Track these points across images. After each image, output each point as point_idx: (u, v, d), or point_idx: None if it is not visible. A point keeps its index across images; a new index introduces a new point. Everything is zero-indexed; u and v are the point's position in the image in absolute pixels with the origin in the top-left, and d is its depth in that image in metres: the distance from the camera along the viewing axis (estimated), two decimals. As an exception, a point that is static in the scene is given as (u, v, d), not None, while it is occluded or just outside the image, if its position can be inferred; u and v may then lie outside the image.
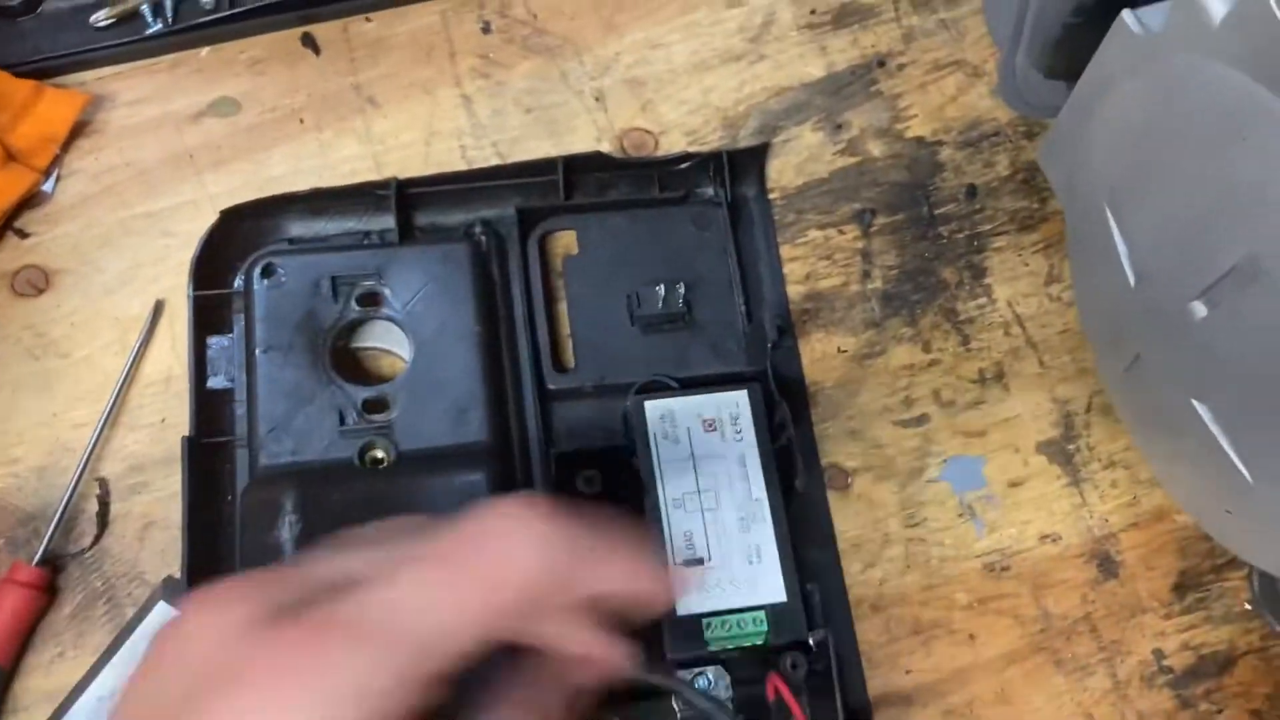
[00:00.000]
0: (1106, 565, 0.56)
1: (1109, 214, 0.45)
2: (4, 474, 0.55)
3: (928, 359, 0.59)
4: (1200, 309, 0.40)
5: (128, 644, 0.52)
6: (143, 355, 0.57)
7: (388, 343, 0.56)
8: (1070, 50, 0.50)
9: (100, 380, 0.57)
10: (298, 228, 0.57)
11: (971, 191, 0.62)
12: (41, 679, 0.52)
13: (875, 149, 0.63)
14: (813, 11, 0.66)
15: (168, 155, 0.61)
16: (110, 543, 0.54)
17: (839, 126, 0.63)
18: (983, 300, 0.60)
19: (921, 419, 0.58)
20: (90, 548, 0.54)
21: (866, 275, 0.61)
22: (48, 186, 0.60)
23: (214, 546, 0.51)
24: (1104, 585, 0.56)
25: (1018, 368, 0.59)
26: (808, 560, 0.54)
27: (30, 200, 0.60)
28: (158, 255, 0.59)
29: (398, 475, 0.50)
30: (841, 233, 0.61)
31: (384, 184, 0.57)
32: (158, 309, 0.58)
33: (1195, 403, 0.42)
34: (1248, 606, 0.56)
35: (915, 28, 0.65)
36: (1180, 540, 0.57)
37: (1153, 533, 0.57)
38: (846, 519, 0.56)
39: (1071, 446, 0.58)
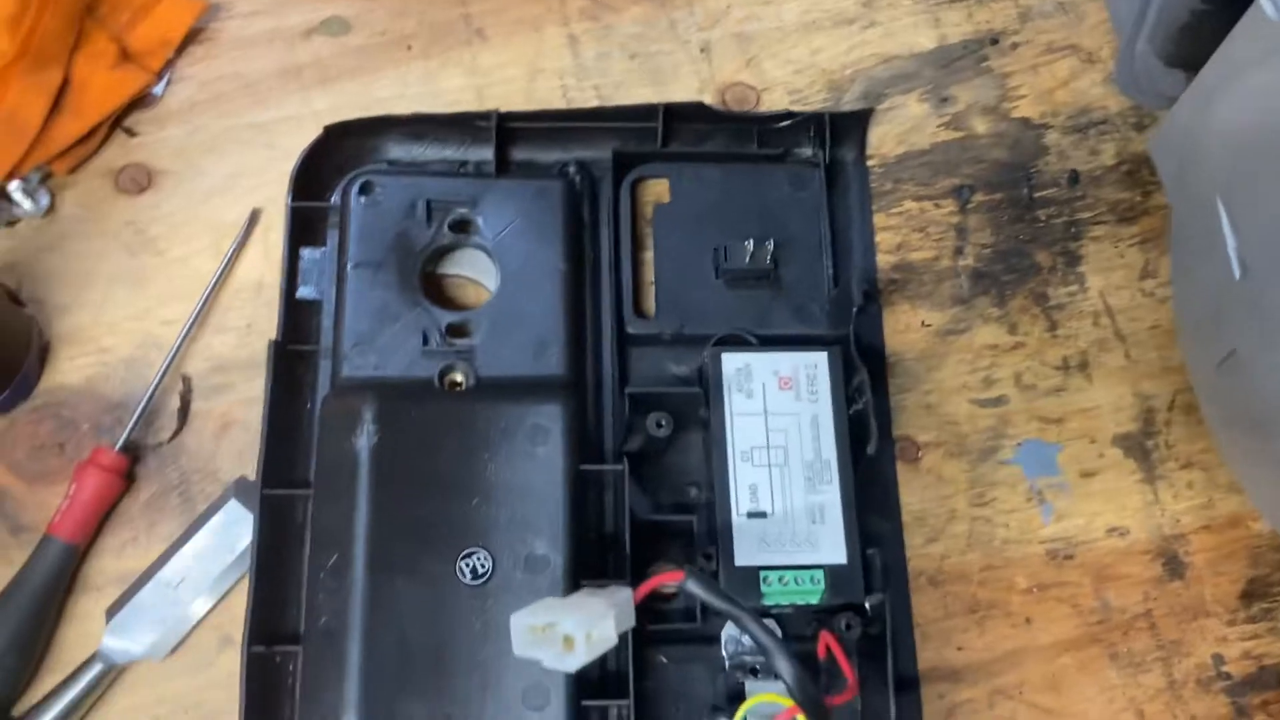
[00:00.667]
0: (1173, 565, 0.55)
1: (1220, 205, 0.44)
2: (94, 362, 0.57)
3: (1012, 341, 0.58)
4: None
5: (197, 536, 0.53)
6: (236, 260, 0.58)
7: (475, 271, 0.56)
8: (1195, 38, 0.49)
9: (192, 281, 0.58)
10: (397, 151, 0.58)
11: (1074, 178, 0.61)
12: (112, 561, 0.54)
13: (980, 126, 0.62)
14: (929, -18, 0.65)
15: (276, 69, 0.62)
16: (188, 438, 0.56)
17: (945, 100, 0.62)
18: (1074, 288, 0.59)
19: (999, 400, 0.57)
20: (169, 441, 0.55)
21: (959, 251, 0.60)
22: (158, 89, 0.61)
23: (290, 451, 0.52)
24: (1168, 584, 0.55)
25: (1103, 359, 0.58)
26: (870, 527, 0.54)
27: (140, 101, 0.61)
28: (259, 165, 0.60)
29: (475, 400, 0.51)
30: (938, 206, 0.61)
31: (485, 115, 0.57)
32: (254, 217, 0.59)
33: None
34: (1316, 622, 0.54)
35: (1032, 8, 0.64)
36: (1253, 549, 0.55)
37: (1225, 538, 0.56)
38: (913, 491, 0.56)
39: (1150, 443, 0.57)
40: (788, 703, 0.44)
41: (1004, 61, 0.63)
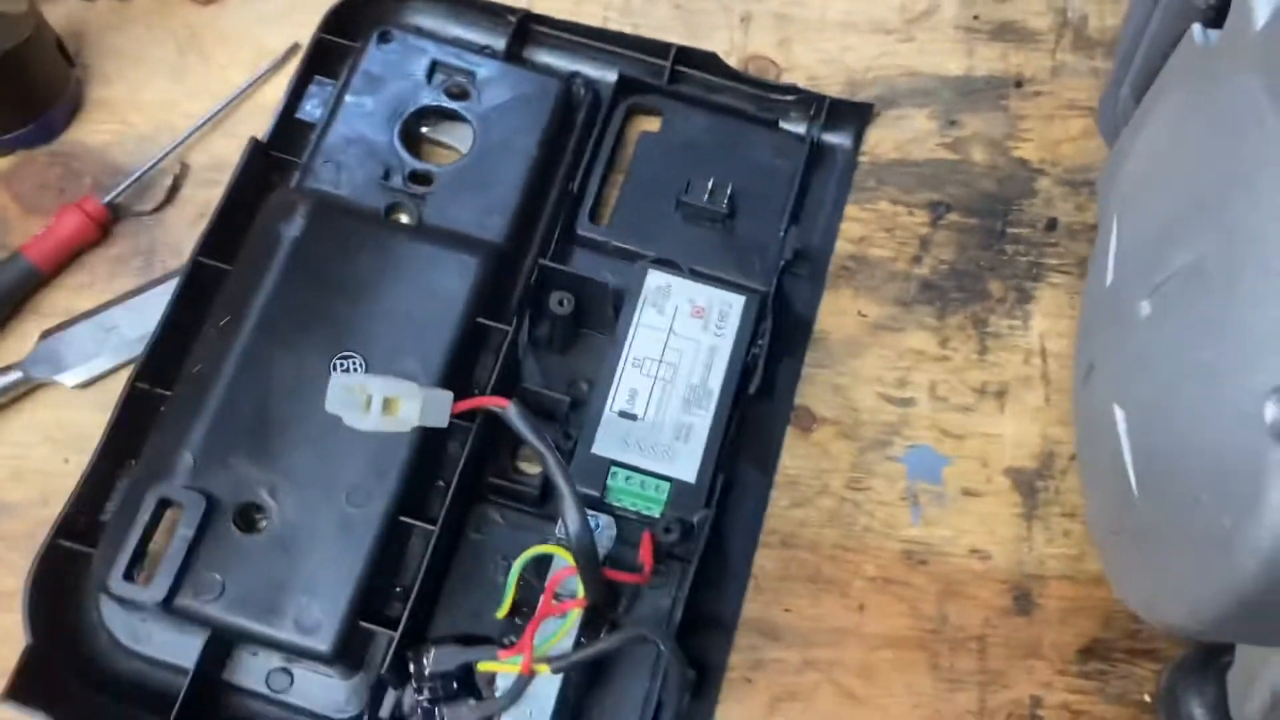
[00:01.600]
0: (1023, 601, 0.55)
1: (1114, 220, 0.45)
2: (115, 130, 0.63)
3: (940, 353, 0.59)
4: (1145, 308, 0.40)
5: (142, 296, 0.58)
6: (264, 81, 0.64)
7: (456, 139, 0.60)
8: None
9: (222, 89, 0.63)
10: (428, 22, 0.63)
11: (1052, 224, 0.62)
12: (67, 297, 0.59)
13: (978, 154, 0.64)
14: (976, 17, 0.67)
15: (361, -63, 0.68)
16: (169, 215, 0.61)
17: (953, 123, 0.64)
18: (1017, 323, 0.60)
19: (907, 401, 0.58)
20: (151, 212, 0.61)
21: (917, 260, 0.61)
22: (251, -77, 0.68)
23: (236, 239, 0.55)
24: (1012, 617, 0.55)
25: (1022, 394, 0.59)
26: (740, 475, 0.55)
27: (232, -70, 0.67)
28: (314, 8, 0.65)
29: (404, 233, 0.54)
30: (911, 214, 0.62)
31: (515, 10, 0.62)
32: (293, 49, 0.64)
33: (1116, 408, 0.42)
34: (1147, 699, 0.53)
35: (1066, 65, 0.66)
36: (1108, 612, 0.55)
37: (1084, 593, 0.55)
38: (795, 458, 0.57)
39: (1040, 483, 0.57)
40: (570, 559, 0.46)
41: (1022, 105, 0.65)
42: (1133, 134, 0.48)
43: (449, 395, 0.46)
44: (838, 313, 0.60)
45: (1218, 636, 0.43)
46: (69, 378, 0.56)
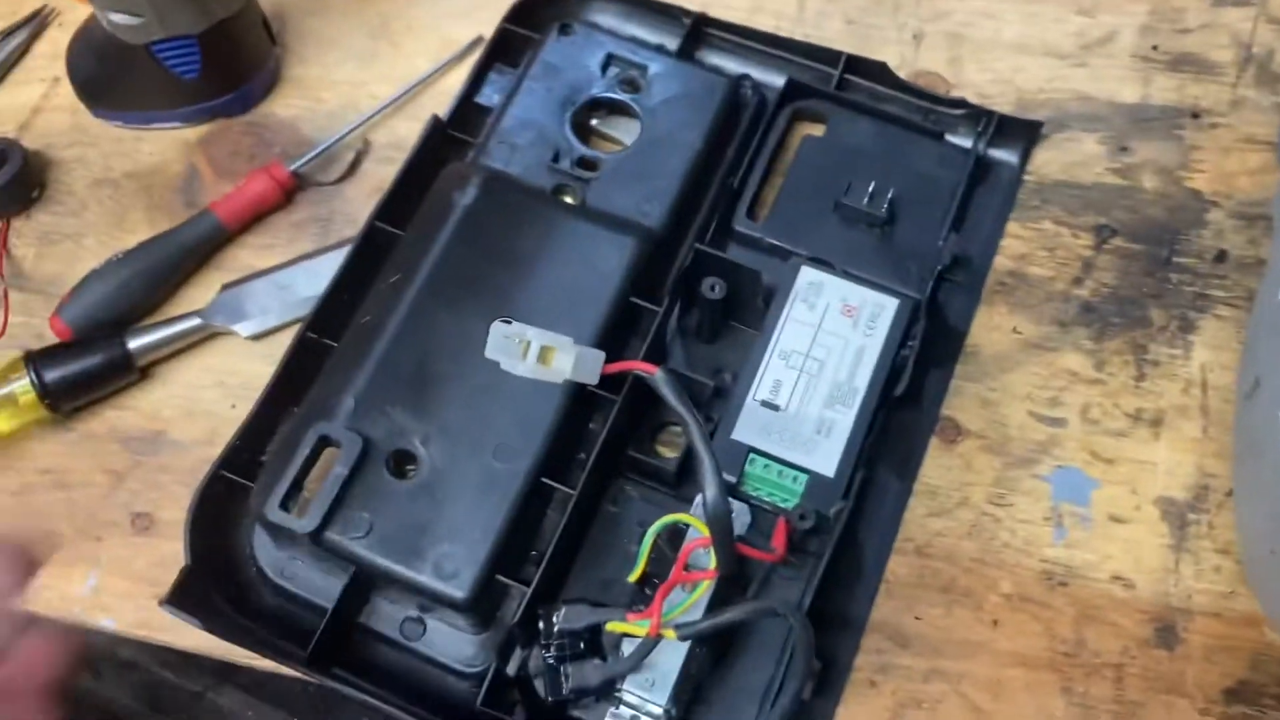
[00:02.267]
0: (1166, 634, 0.53)
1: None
2: (307, 105, 0.67)
3: (1095, 375, 0.58)
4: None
5: (320, 258, 0.61)
6: (448, 70, 0.67)
7: (624, 133, 0.62)
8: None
9: (409, 74, 0.67)
10: (607, 20, 0.65)
11: (1222, 256, 0.60)
12: (249, 255, 0.63)
13: (1148, 181, 0.62)
14: (1154, 47, 0.66)
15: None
16: (349, 188, 0.64)
17: (1124, 149, 0.63)
18: (1178, 352, 0.58)
19: (1058, 421, 0.57)
20: (333, 183, 0.64)
21: (1078, 281, 0.60)
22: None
23: (410, 207, 0.58)
24: (1153, 650, 0.53)
25: (1178, 424, 0.57)
26: (878, 478, 0.55)
27: (434, -70, 0.71)
28: (500, 4, 0.68)
29: (570, 215, 0.56)
30: (1075, 236, 0.61)
31: (690, 12, 0.64)
32: (477, 41, 0.67)
33: (1282, 419, 0.40)
34: (1296, 749, 0.51)
35: (1247, 99, 0.64)
36: (1259, 654, 0.52)
37: (1233, 631, 0.53)
38: (937, 468, 0.56)
39: (1193, 516, 0.55)
40: (705, 531, 0.46)
41: (1198, 136, 0.63)
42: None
43: (601, 354, 0.48)
44: (992, 328, 0.59)
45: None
46: (244, 328, 0.60)
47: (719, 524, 0.44)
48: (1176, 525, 0.55)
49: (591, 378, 0.47)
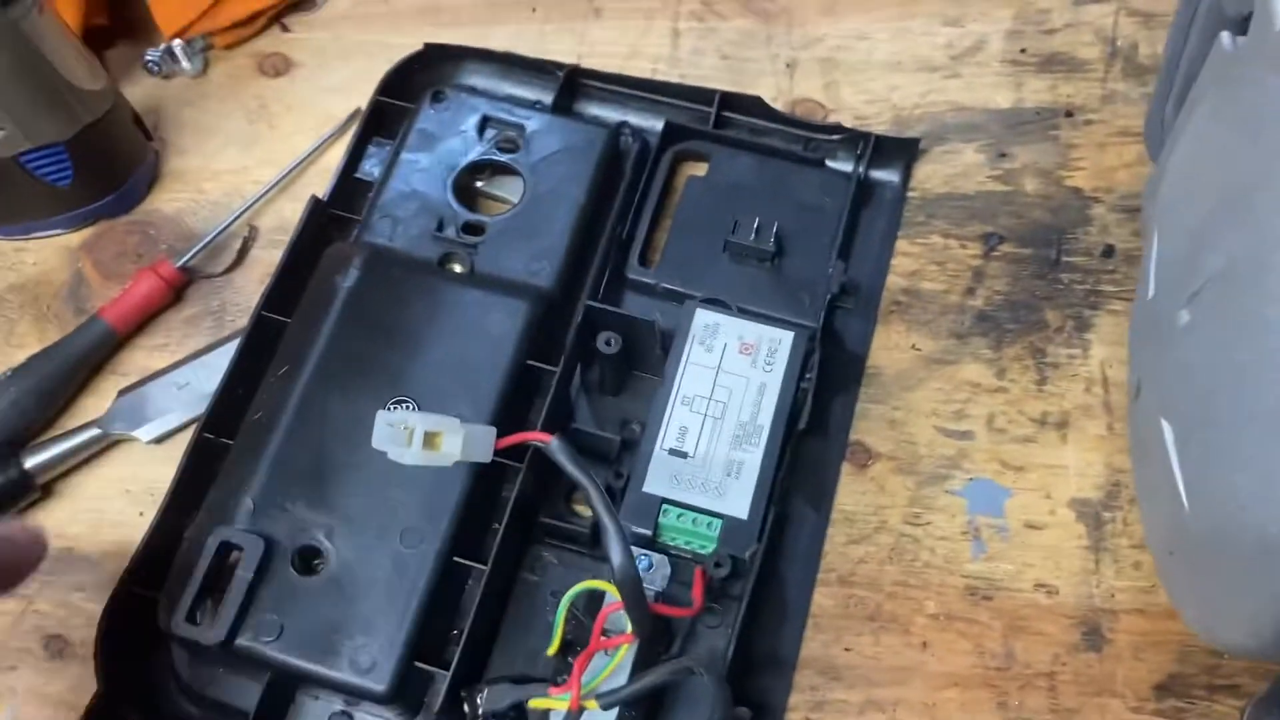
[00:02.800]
0: (1093, 636, 0.53)
1: (1154, 234, 0.44)
2: (190, 197, 0.66)
3: (997, 384, 0.59)
4: (1184, 317, 0.39)
5: (213, 353, 0.60)
6: (328, 146, 0.66)
7: (507, 191, 0.62)
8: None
9: (289, 155, 0.66)
10: (480, 81, 0.65)
11: (1109, 251, 0.61)
12: (143, 357, 0.62)
13: (1029, 185, 0.63)
14: (1023, 50, 0.67)
15: (419, 6, 0.71)
16: (238, 277, 0.63)
17: (1003, 155, 0.64)
18: (1076, 351, 0.59)
19: (966, 434, 0.58)
20: (222, 274, 0.63)
21: (970, 291, 0.61)
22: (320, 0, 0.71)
23: (297, 292, 0.57)
24: (1082, 654, 0.53)
25: (1084, 424, 0.57)
26: (794, 511, 0.55)
27: (301, 5, 0.71)
28: (376, 76, 0.67)
29: (455, 280, 0.56)
30: (964, 247, 0.62)
31: (562, 65, 0.64)
32: (354, 115, 0.67)
33: (1163, 422, 0.41)
34: (1229, 736, 0.51)
35: (1118, 93, 0.65)
36: (1184, 646, 0.53)
37: (1157, 626, 0.53)
38: (851, 495, 0.57)
39: (1107, 514, 0.55)
40: (618, 595, 0.46)
41: (1073, 134, 0.64)
42: (1170, 148, 0.47)
43: (492, 430, 0.47)
44: (890, 347, 0.60)
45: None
46: (145, 433, 0.59)
47: (629, 587, 0.44)
48: (1092, 526, 0.55)
49: (484, 455, 0.47)
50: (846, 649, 0.54)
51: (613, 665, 0.45)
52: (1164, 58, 0.53)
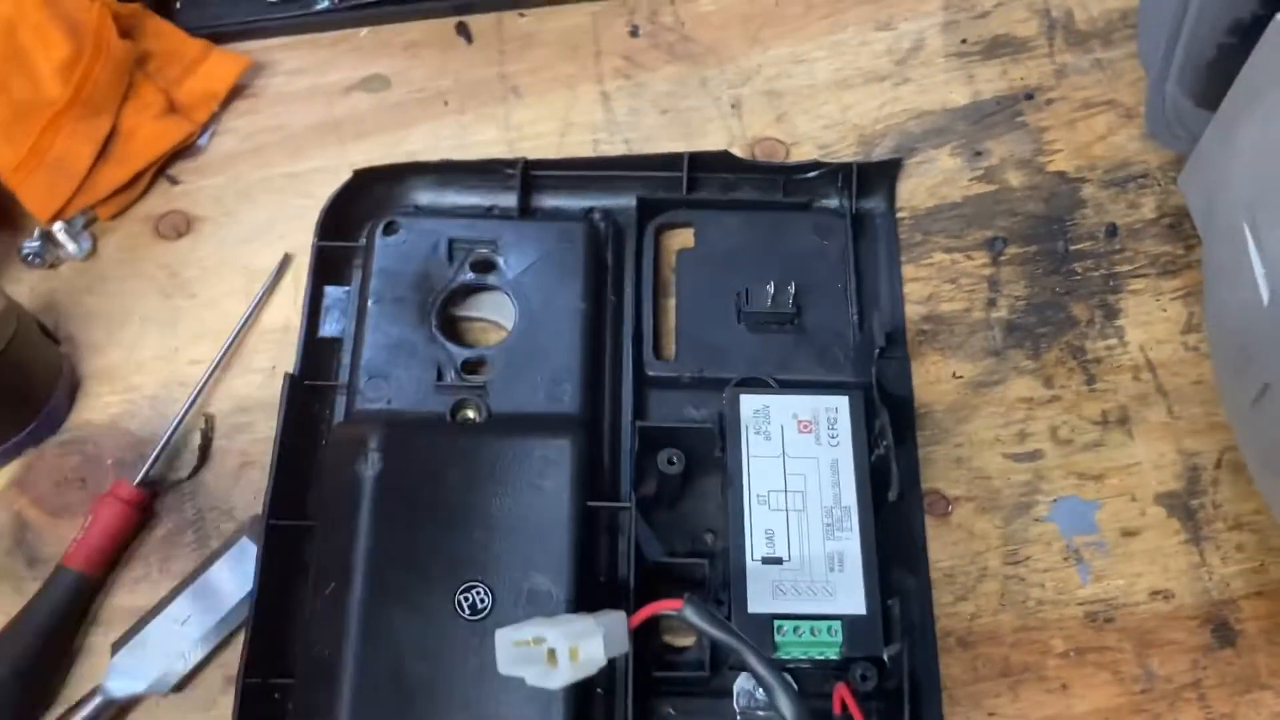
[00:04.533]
0: (1223, 632, 0.52)
1: (1247, 231, 0.42)
2: (122, 399, 0.57)
3: (1048, 394, 0.56)
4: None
5: (207, 573, 0.53)
6: (264, 304, 0.59)
7: (494, 314, 0.56)
8: (1223, 74, 0.48)
9: (222, 323, 0.58)
10: (425, 197, 0.59)
11: (1112, 230, 0.59)
12: (126, 596, 0.53)
13: (1014, 179, 0.61)
14: (963, 41, 0.65)
15: (316, 123, 0.64)
16: (208, 476, 0.56)
17: (978, 154, 0.62)
18: (1113, 341, 0.57)
19: (1034, 454, 0.55)
20: (188, 478, 0.56)
21: (991, 303, 0.58)
22: (203, 140, 0.63)
23: (301, 486, 0.51)
24: (1218, 653, 0.51)
25: (1144, 414, 0.56)
26: (895, 582, 0.52)
27: (185, 151, 0.63)
28: (293, 213, 0.61)
29: (483, 433, 0.50)
30: (970, 258, 0.59)
31: (512, 162, 0.58)
32: (285, 262, 0.60)
33: (1326, 432, 0.39)
34: (1382, 698, 0.50)
35: (1068, 65, 0.64)
36: (1309, 617, 0.52)
37: (1279, 605, 0.52)
38: (943, 548, 0.53)
39: (1195, 502, 0.54)
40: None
41: (1039, 116, 0.62)
42: (1224, 135, 0.45)
43: (624, 616, 0.42)
44: (932, 381, 0.57)
45: None
46: (157, 687, 0.51)
47: (816, 746, 0.40)
48: (1185, 518, 0.54)
49: (623, 646, 0.42)
50: (990, 715, 0.51)
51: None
52: (1144, 34, 0.51)
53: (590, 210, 0.58)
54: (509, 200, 0.58)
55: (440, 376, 0.52)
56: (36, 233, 0.60)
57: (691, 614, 0.41)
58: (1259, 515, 0.53)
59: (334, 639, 0.45)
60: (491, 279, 0.55)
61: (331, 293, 0.56)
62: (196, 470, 0.56)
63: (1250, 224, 0.42)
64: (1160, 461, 0.55)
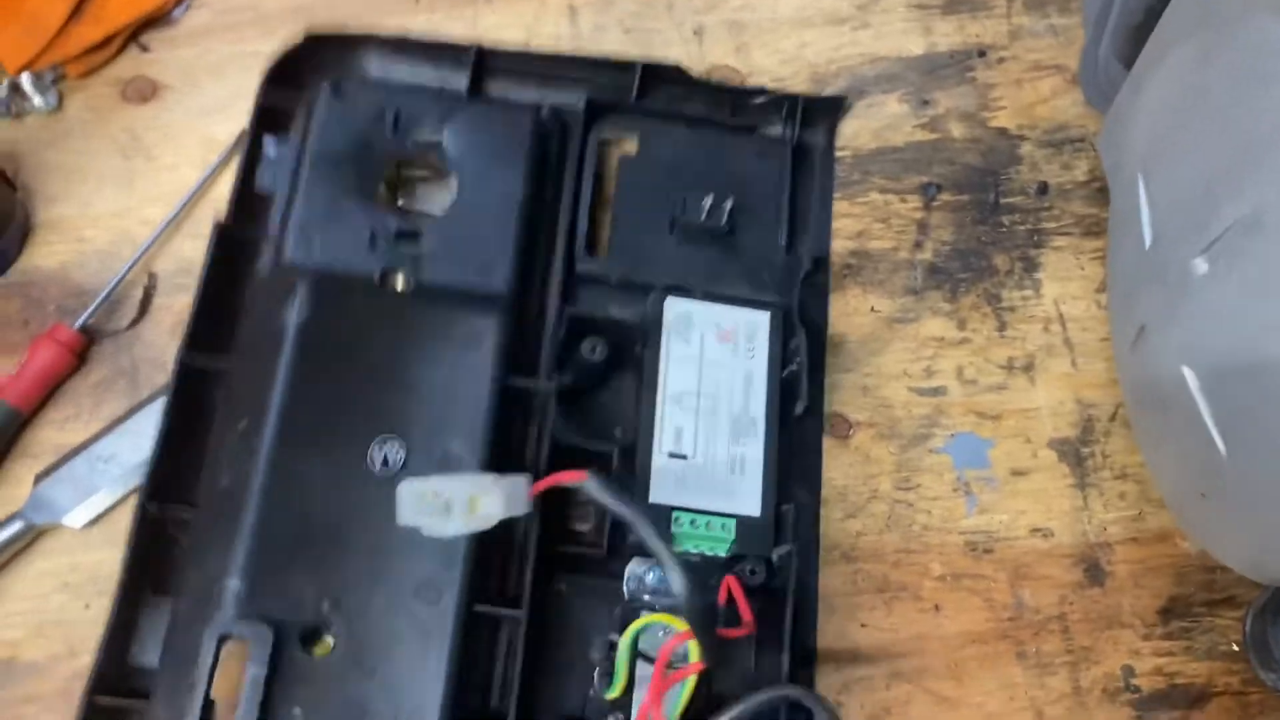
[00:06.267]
0: (1094, 572, 0.54)
1: (1140, 180, 0.44)
2: (71, 250, 0.59)
3: (960, 336, 0.59)
4: (1201, 265, 0.39)
5: (135, 417, 0.55)
6: (219, 174, 0.61)
7: (434, 188, 0.57)
8: (1149, 37, 0.50)
9: (176, 188, 0.60)
10: (377, 70, 0.60)
11: (1043, 189, 0.62)
12: (54, 433, 0.55)
13: (956, 130, 0.63)
14: (925, -7, 0.66)
15: (288, 7, 0.65)
16: (145, 329, 0.58)
17: (925, 103, 0.64)
18: (1029, 293, 0.59)
19: (938, 390, 0.58)
20: (126, 329, 0.57)
21: (918, 245, 0.61)
22: (178, 11, 0.64)
23: (220, 329, 0.52)
24: (1087, 590, 0.54)
25: (1049, 363, 0.58)
26: (791, 493, 0.54)
27: (159, 20, 0.64)
28: (256, 90, 0.62)
29: (411, 302, 0.52)
30: (903, 200, 0.61)
31: (466, 46, 0.59)
32: (242, 136, 0.61)
33: (1185, 370, 0.41)
34: (1235, 648, 0.53)
35: (1023, 27, 0.66)
36: (1179, 567, 0.55)
37: (1151, 552, 0.55)
38: (839, 468, 0.56)
39: (1086, 450, 0.56)
40: (681, 626, 0.44)
41: (989, 74, 0.64)
42: (1133, 93, 0.47)
43: (526, 479, 0.44)
44: (850, 313, 0.59)
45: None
46: (73, 518, 0.53)
47: (697, 617, 0.42)
48: (1074, 463, 0.56)
49: (523, 508, 0.44)
50: (863, 625, 0.53)
51: (684, 699, 0.43)
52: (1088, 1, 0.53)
53: (540, 105, 0.60)
54: (459, 83, 0.60)
55: (373, 241, 0.53)
56: (5, 83, 0.61)
57: (594, 487, 0.43)
58: (1144, 469, 0.56)
59: (241, 475, 0.47)
60: (435, 155, 0.56)
61: (272, 146, 0.56)
62: (135, 322, 0.58)
63: (1143, 172, 0.44)
64: (1059, 409, 0.57)
